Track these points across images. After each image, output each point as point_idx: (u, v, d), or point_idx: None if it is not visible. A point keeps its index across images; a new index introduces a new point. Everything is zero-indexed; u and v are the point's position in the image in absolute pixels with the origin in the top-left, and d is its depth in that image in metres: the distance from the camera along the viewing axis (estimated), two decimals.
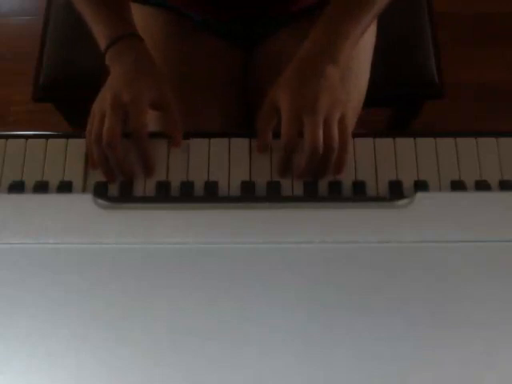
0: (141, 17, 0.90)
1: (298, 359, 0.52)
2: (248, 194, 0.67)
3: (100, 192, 0.67)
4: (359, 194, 0.68)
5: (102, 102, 0.70)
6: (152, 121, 0.84)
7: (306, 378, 0.51)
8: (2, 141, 0.71)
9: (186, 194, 0.68)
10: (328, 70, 0.70)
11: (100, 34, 0.76)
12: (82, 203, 0.59)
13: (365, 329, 0.53)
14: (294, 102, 0.68)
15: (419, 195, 0.60)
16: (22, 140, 0.71)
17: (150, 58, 0.74)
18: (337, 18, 0.74)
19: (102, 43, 0.75)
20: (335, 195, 0.68)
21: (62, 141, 0.71)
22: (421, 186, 0.68)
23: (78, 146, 0.71)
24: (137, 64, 0.72)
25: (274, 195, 0.67)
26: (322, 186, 0.69)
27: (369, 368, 0.52)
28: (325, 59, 0.71)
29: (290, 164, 0.69)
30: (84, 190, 0.69)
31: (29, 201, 0.61)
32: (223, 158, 0.70)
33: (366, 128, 0.99)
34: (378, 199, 0.67)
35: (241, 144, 0.71)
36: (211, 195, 0.68)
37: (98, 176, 0.70)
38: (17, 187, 0.68)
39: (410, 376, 0.52)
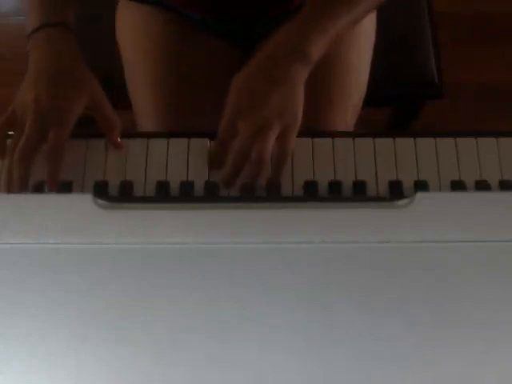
0: (140, 16, 0.90)
1: (298, 359, 0.52)
2: (248, 194, 0.67)
3: (100, 192, 0.67)
4: (359, 194, 0.68)
5: (23, 103, 0.67)
6: (152, 120, 0.84)
7: (306, 377, 0.51)
8: None
9: (185, 194, 0.68)
10: (295, 71, 0.67)
11: (29, 18, 0.71)
12: (81, 203, 0.59)
13: (365, 329, 0.53)
14: (241, 97, 0.66)
15: (419, 195, 0.60)
16: None
17: (75, 52, 0.70)
18: (314, 14, 0.71)
19: (29, 28, 0.70)
20: (335, 195, 0.68)
21: None
22: (421, 185, 0.68)
23: (77, 145, 0.71)
24: (61, 59, 0.68)
25: (273, 195, 0.67)
26: (322, 186, 0.69)
27: (369, 368, 0.51)
28: (296, 60, 0.68)
29: (220, 161, 0.67)
30: (84, 189, 0.69)
31: (29, 201, 0.61)
32: None
33: (366, 128, 0.99)
34: (378, 199, 0.67)
35: None
36: (211, 195, 0.68)
37: (98, 176, 0.70)
38: None
39: (410, 376, 0.52)
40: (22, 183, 0.66)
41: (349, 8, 0.72)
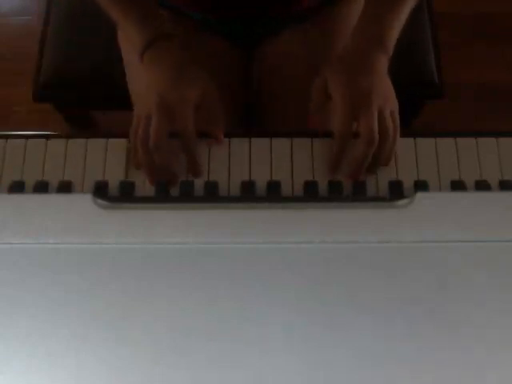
0: None
1: (298, 359, 0.52)
2: (248, 194, 0.67)
3: (100, 192, 0.67)
4: (359, 194, 0.68)
5: (147, 106, 0.70)
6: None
7: (305, 377, 0.51)
8: (2, 141, 0.71)
9: (185, 194, 0.68)
10: (381, 61, 0.71)
11: (133, 36, 0.75)
12: (81, 203, 0.59)
13: (365, 329, 0.53)
14: (348, 92, 0.68)
15: (419, 195, 0.60)
16: (22, 140, 0.71)
17: (188, 57, 0.74)
18: (380, 10, 0.75)
19: (137, 46, 0.75)
20: (335, 195, 0.68)
21: (63, 141, 0.71)
22: (421, 186, 0.68)
23: (77, 145, 0.71)
24: (178, 65, 0.72)
25: (273, 195, 0.67)
26: (322, 186, 0.69)
27: (369, 368, 0.52)
28: (376, 50, 0.72)
29: (342, 158, 0.69)
30: (84, 189, 0.69)
31: (29, 201, 0.61)
32: (223, 158, 0.70)
33: None
34: (377, 199, 0.67)
35: (241, 144, 0.71)
36: (211, 195, 0.68)
37: (98, 176, 0.70)
38: (17, 187, 0.68)
39: (410, 376, 0.52)
40: (168, 172, 0.69)
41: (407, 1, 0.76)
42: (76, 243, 0.57)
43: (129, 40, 0.77)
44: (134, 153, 0.70)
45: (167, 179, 0.69)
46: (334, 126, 0.69)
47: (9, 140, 0.71)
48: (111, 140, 0.72)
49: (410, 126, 1.17)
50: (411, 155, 0.70)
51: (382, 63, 0.72)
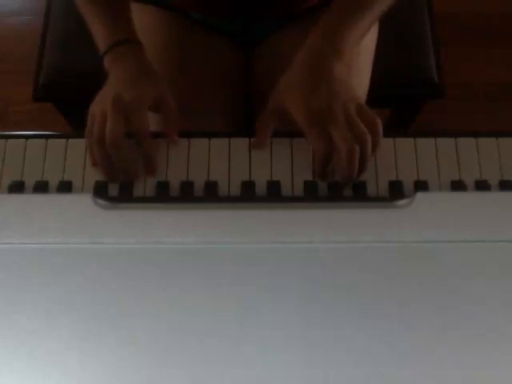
0: (142, 16, 0.90)
1: (299, 359, 0.52)
2: (248, 194, 0.67)
3: (100, 192, 0.67)
4: (359, 194, 0.68)
5: (103, 103, 0.70)
6: (152, 121, 0.85)
7: (305, 377, 0.51)
8: (2, 141, 0.71)
9: (186, 194, 0.68)
10: (336, 67, 0.70)
11: (99, 36, 0.77)
12: (81, 203, 0.59)
13: (365, 329, 0.53)
14: (310, 109, 0.67)
15: (419, 195, 0.60)
16: (22, 140, 0.71)
17: (148, 62, 0.75)
18: (340, 14, 0.73)
19: (101, 46, 0.76)
20: (335, 195, 0.68)
21: (62, 141, 0.71)
22: (421, 186, 0.68)
23: (77, 145, 0.71)
24: (137, 68, 0.73)
25: (273, 195, 0.67)
26: (322, 186, 0.69)
27: (369, 368, 0.51)
28: (330, 57, 0.70)
29: (328, 169, 0.68)
30: (84, 189, 0.69)
31: (29, 201, 0.61)
32: (223, 158, 0.71)
33: None
34: (377, 199, 0.67)
35: (241, 144, 0.71)
36: (211, 195, 0.68)
37: (98, 176, 0.70)
38: (17, 187, 0.68)
39: (410, 376, 0.52)
40: (129, 171, 0.69)
41: (371, 3, 0.74)
42: (76, 243, 0.57)
43: (94, 37, 0.78)
44: (90, 151, 0.69)
45: (128, 178, 0.69)
46: (313, 148, 0.68)
47: (9, 140, 0.71)
48: None
49: (410, 125, 1.17)
50: (411, 155, 0.70)
51: (338, 69, 0.70)
